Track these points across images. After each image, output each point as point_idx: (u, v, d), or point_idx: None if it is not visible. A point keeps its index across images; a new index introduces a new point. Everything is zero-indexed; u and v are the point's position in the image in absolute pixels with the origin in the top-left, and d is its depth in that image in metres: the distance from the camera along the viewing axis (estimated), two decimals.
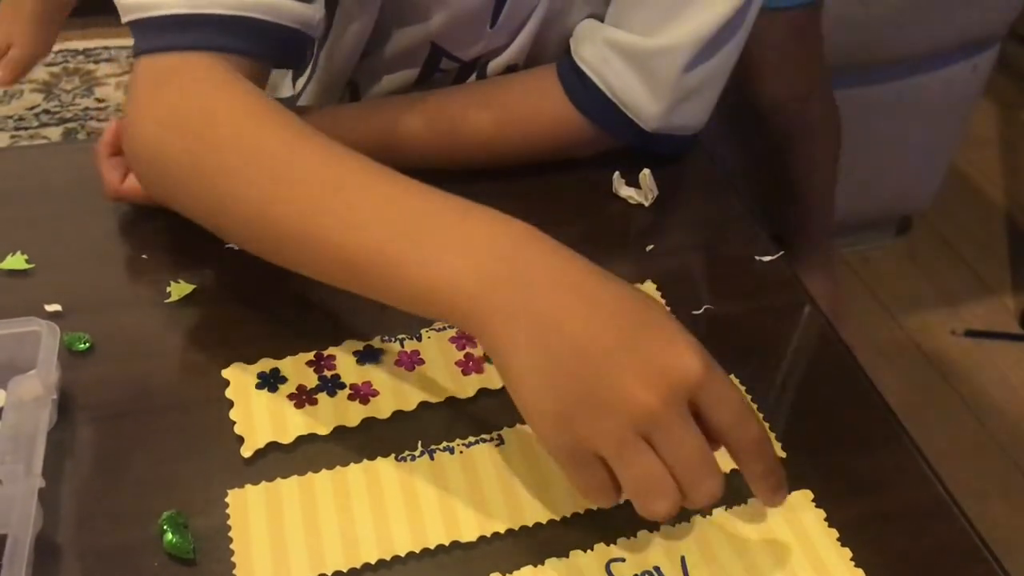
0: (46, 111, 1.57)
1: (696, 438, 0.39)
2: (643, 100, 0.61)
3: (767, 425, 0.50)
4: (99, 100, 1.60)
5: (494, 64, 0.67)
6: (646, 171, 0.64)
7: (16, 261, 0.57)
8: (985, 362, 1.46)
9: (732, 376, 0.53)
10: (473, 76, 0.68)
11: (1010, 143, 1.86)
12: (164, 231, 0.60)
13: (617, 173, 0.65)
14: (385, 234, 0.43)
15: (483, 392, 0.52)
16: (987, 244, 1.66)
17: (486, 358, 0.53)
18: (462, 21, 0.63)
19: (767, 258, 0.61)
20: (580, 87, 0.62)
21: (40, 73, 1.63)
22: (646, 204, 0.64)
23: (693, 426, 0.39)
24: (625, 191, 0.65)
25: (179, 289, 0.56)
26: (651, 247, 0.61)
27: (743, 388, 0.52)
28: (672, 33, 0.59)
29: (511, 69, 0.67)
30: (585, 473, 0.40)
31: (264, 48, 0.52)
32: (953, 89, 1.39)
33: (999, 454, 1.34)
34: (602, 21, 0.63)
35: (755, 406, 0.51)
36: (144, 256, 0.58)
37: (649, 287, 0.59)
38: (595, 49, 0.62)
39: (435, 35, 0.64)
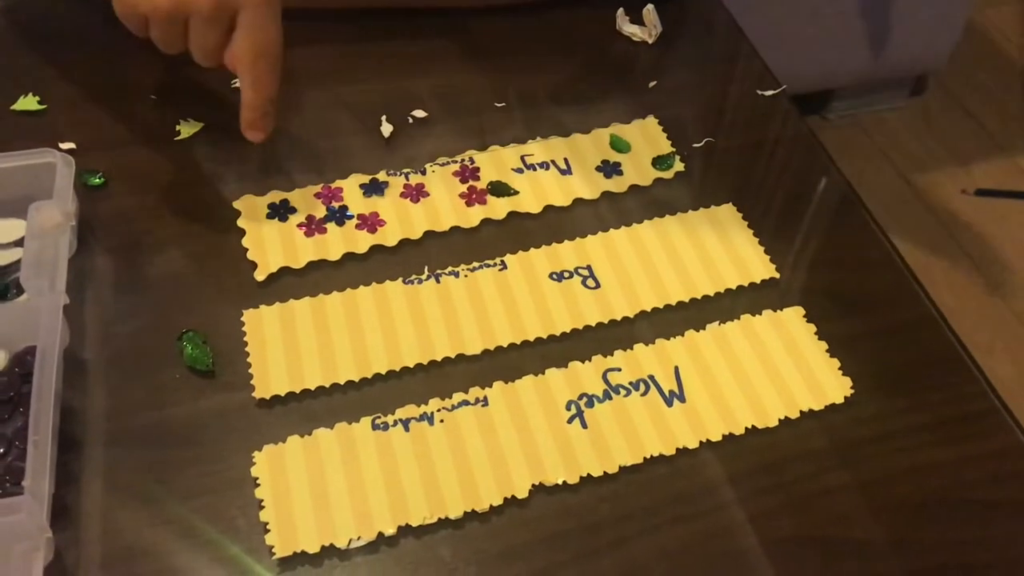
0: None
1: (213, 39, 0.49)
2: None
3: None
4: None
5: None
6: (650, 6, 0.64)
7: (28, 102, 0.58)
8: (995, 220, 1.46)
9: (730, 204, 0.55)
10: None
11: None
12: (171, 73, 0.61)
13: (621, 10, 0.65)
14: None
15: (486, 222, 0.53)
16: (1002, 104, 1.63)
17: (488, 190, 0.55)
18: None
19: (769, 93, 0.61)
20: None
21: None
22: (649, 41, 0.64)
23: (221, 31, 0.49)
24: (628, 28, 0.65)
25: (188, 128, 0.57)
26: (654, 83, 0.62)
27: (741, 215, 0.54)
28: None
29: None
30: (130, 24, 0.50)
31: None
32: None
33: (1006, 311, 1.36)
34: None
35: (751, 233, 0.53)
36: (153, 97, 0.59)
37: (651, 122, 0.59)
38: None
39: None
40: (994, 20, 1.75)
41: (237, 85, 0.59)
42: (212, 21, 0.49)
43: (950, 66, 1.55)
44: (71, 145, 0.56)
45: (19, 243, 0.49)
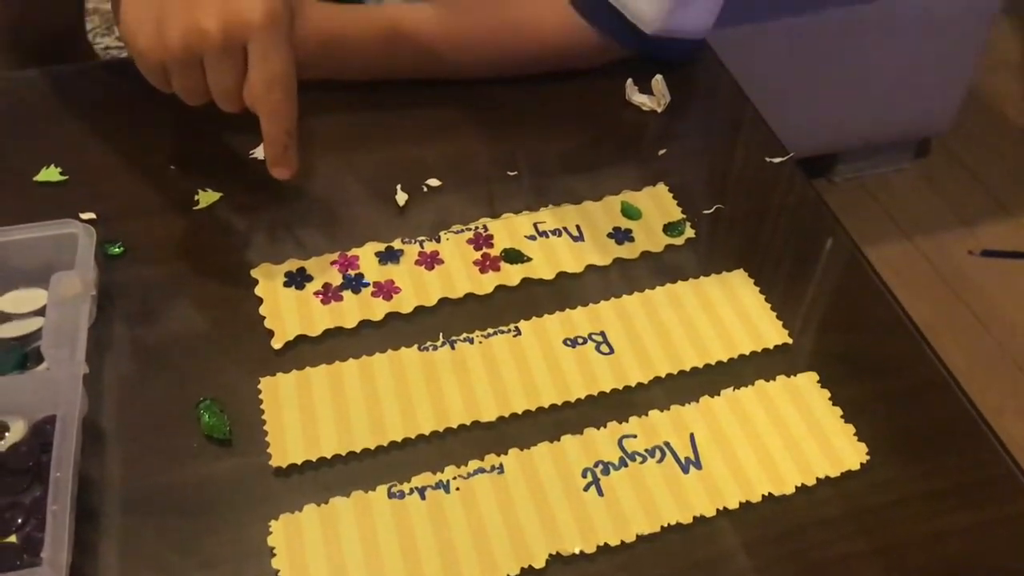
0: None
1: (230, 77, 0.50)
2: (642, 3, 0.62)
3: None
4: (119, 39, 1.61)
5: None
6: (658, 77, 0.65)
7: (50, 173, 0.60)
8: (1001, 281, 1.47)
9: (741, 270, 0.55)
10: None
11: None
12: (190, 143, 0.62)
13: (630, 80, 0.66)
14: None
15: (500, 288, 0.54)
16: (1006, 166, 1.65)
17: (501, 257, 0.55)
18: None
19: (777, 160, 0.62)
20: None
21: None
22: (659, 110, 0.65)
23: (235, 68, 0.50)
24: (638, 97, 0.66)
25: (206, 197, 0.58)
26: (663, 151, 0.63)
27: (752, 280, 0.54)
28: None
29: None
30: (153, 79, 0.52)
31: None
32: (970, 8, 1.38)
33: (1016, 372, 1.36)
34: None
35: (763, 298, 0.53)
36: (172, 167, 0.61)
37: (661, 189, 0.60)
38: None
39: None
40: (996, 85, 1.78)
41: (255, 155, 0.60)
42: (224, 53, 0.50)
43: (954, 129, 1.57)
44: (91, 215, 0.57)
45: (40, 312, 0.50)
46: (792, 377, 0.49)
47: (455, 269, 0.55)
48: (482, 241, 0.56)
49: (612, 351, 0.50)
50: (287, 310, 0.52)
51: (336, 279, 0.54)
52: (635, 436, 0.47)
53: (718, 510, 0.44)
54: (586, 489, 0.44)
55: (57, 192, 0.59)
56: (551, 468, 0.45)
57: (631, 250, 0.56)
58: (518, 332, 0.51)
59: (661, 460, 0.46)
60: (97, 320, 0.51)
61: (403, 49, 0.63)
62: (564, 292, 0.54)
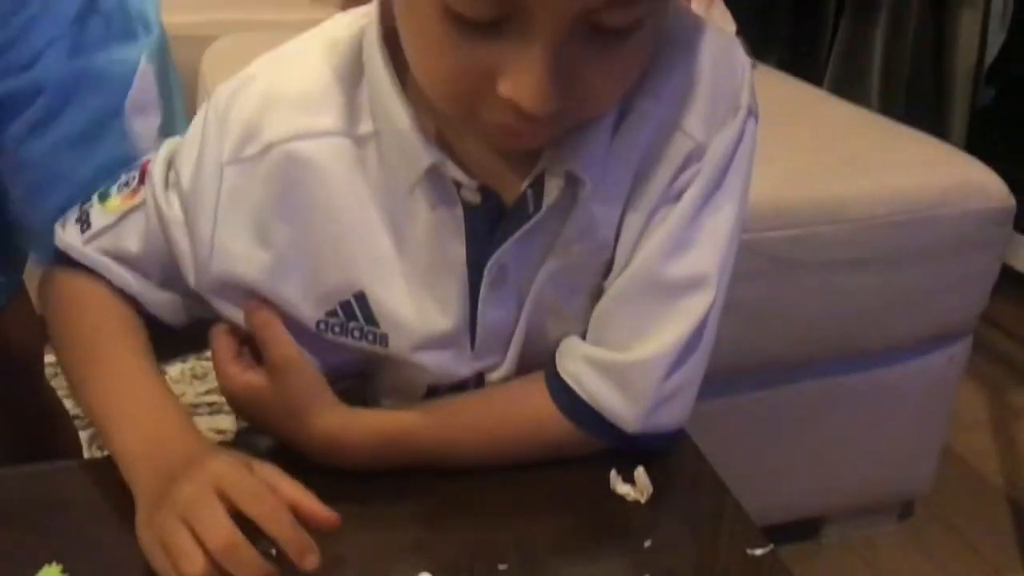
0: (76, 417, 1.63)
1: (220, 527, 0.53)
2: (621, 407, 0.67)
3: None
4: None
5: (490, 379, 0.72)
6: (640, 469, 0.69)
7: (51, 572, 0.60)
8: None
9: None
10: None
11: (1001, 424, 1.91)
12: None
13: (613, 471, 0.70)
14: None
15: None
16: (990, 526, 1.66)
17: None
18: (446, 366, 0.70)
19: (759, 551, 0.64)
20: (564, 395, 0.68)
21: None
22: (642, 501, 0.69)
23: (220, 516, 0.54)
24: (622, 488, 0.69)
25: None
26: (648, 543, 0.65)
27: None
28: (643, 349, 0.66)
29: (502, 380, 0.72)
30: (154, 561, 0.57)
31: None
32: (934, 377, 1.47)
33: None
34: (581, 338, 0.69)
35: None
36: None
37: None
38: (575, 363, 0.68)
39: (428, 382, 0.71)
40: (970, 444, 1.84)
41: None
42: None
43: (935, 490, 1.60)
44: None
45: None
46: None
47: None
48: None
49: None
50: None
51: None
52: None
53: None
54: None
55: None
56: None
57: None
58: None
59: None
60: None
61: (398, 450, 0.67)
62: None
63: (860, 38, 2.28)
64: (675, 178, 0.64)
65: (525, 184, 0.62)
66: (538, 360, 0.70)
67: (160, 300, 0.72)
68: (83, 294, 0.72)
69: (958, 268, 1.37)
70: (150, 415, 0.65)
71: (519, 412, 0.69)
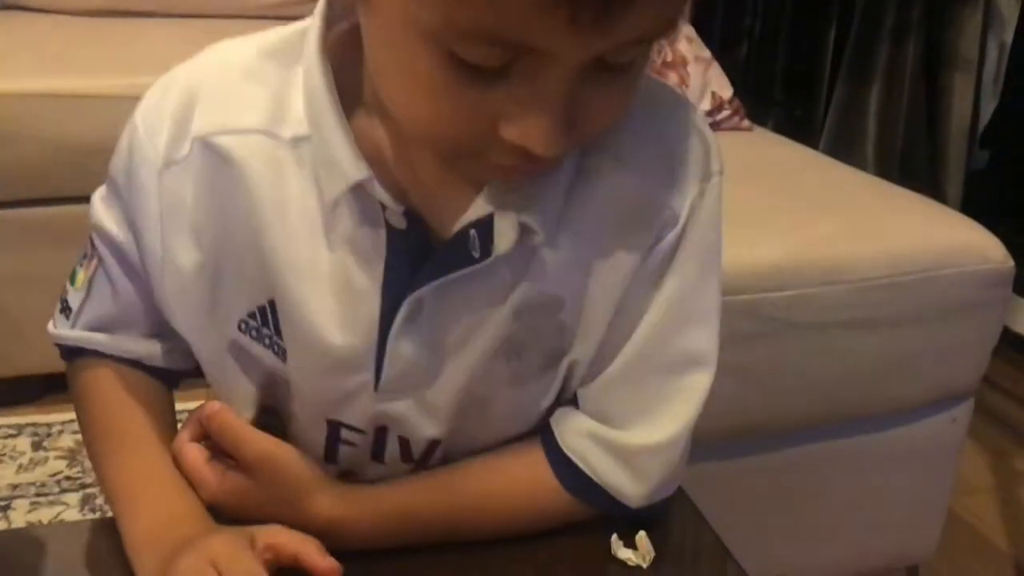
0: (68, 477, 1.63)
1: None
2: (629, 487, 0.66)
3: None
4: None
5: (416, 438, 0.68)
6: (642, 533, 0.68)
7: None
8: None
9: None
10: (393, 447, 0.69)
11: (1004, 487, 1.90)
12: None
13: (615, 536, 0.69)
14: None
15: None
16: None
17: None
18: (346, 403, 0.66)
19: None
20: (568, 471, 0.67)
21: (66, 440, 1.71)
22: (644, 566, 0.67)
23: None
24: (623, 553, 0.68)
25: None
26: None
27: None
28: (653, 433, 0.66)
29: (432, 443, 0.68)
30: None
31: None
32: (937, 440, 1.45)
33: None
34: (527, 406, 0.68)
35: None
36: None
37: None
38: (578, 439, 0.67)
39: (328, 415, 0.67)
40: (974, 508, 1.82)
41: None
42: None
43: (940, 554, 1.58)
44: None
45: None
46: None
47: None
48: None
49: None
50: None
51: None
52: None
53: None
54: None
55: None
56: None
57: None
58: None
59: None
60: None
61: (400, 528, 0.66)
62: None
63: (854, 102, 2.31)
64: (651, 249, 0.63)
65: (463, 222, 0.59)
66: (477, 425, 0.67)
67: (159, 350, 0.70)
68: (89, 384, 0.71)
69: (958, 330, 1.37)
70: (157, 501, 0.65)
71: (521, 487, 0.68)
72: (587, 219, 0.61)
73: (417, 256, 0.61)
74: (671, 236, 0.62)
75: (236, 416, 0.66)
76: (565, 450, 0.67)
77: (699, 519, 0.73)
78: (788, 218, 1.39)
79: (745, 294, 1.24)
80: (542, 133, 0.50)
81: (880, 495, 1.46)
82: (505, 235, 0.58)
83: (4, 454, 1.69)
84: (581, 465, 0.67)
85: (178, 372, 0.73)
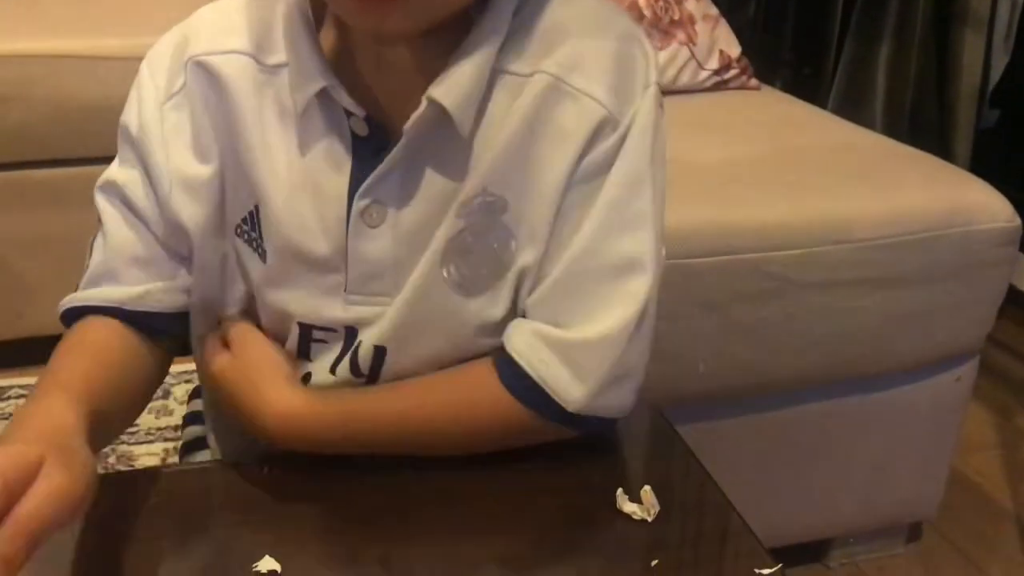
0: None
1: None
2: (568, 384, 0.67)
3: None
4: None
5: (364, 339, 0.70)
6: (647, 487, 0.69)
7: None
8: None
9: None
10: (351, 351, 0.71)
11: (1008, 446, 1.91)
12: None
13: (620, 489, 0.70)
14: None
15: None
16: (998, 549, 1.65)
17: None
18: (319, 303, 0.70)
19: (766, 571, 0.64)
20: (510, 370, 0.68)
21: None
22: (649, 519, 0.68)
23: None
24: (628, 507, 0.69)
25: None
26: (655, 562, 0.65)
27: None
28: (592, 328, 0.67)
29: (379, 350, 0.70)
30: None
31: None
32: (941, 398, 1.46)
33: None
34: (473, 319, 0.69)
35: None
36: None
37: None
38: (523, 338, 0.68)
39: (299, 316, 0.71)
40: (978, 466, 1.83)
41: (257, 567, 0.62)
42: None
43: (944, 512, 1.59)
44: None
45: None
46: None
47: None
48: None
49: None
50: None
51: None
52: None
53: None
54: None
55: None
56: None
57: None
58: None
59: None
60: None
61: (353, 430, 0.68)
62: None
63: (864, 61, 2.29)
64: (588, 147, 0.65)
65: (410, 122, 0.64)
66: (423, 330, 0.69)
67: (141, 292, 0.71)
68: (62, 341, 0.70)
69: (964, 289, 1.37)
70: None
71: (466, 388, 0.70)
72: (515, 119, 0.65)
73: (380, 160, 0.66)
74: (610, 142, 0.65)
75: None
76: (509, 350, 0.68)
77: (704, 475, 0.74)
78: (794, 177, 1.39)
79: (752, 252, 1.24)
80: None
81: (884, 453, 1.47)
82: (419, 114, 0.63)
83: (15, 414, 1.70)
84: (521, 362, 0.67)
85: (161, 315, 0.72)
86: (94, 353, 0.68)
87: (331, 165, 0.67)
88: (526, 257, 0.67)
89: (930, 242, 1.32)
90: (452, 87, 0.63)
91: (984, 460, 1.86)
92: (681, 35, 1.76)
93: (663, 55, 1.72)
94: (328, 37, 0.67)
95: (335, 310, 0.70)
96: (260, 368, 0.70)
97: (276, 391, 0.68)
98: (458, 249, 0.67)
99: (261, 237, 0.69)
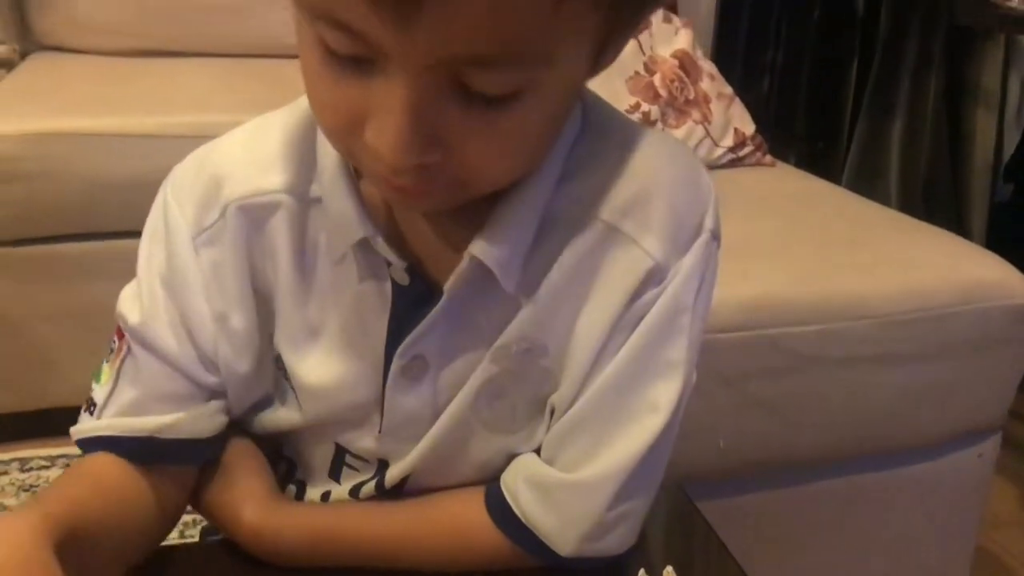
0: None
1: None
2: (554, 529, 0.64)
3: None
4: None
5: (392, 470, 0.69)
6: (669, 568, 0.69)
7: None
8: None
9: None
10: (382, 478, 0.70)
11: None
12: None
13: (642, 570, 0.69)
14: None
15: None
16: None
17: None
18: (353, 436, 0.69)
19: None
20: (499, 508, 0.66)
21: None
22: None
23: None
24: None
25: None
26: None
27: None
28: (588, 470, 0.63)
29: (404, 479, 0.69)
30: None
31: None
32: (964, 474, 1.45)
33: None
34: (502, 454, 0.67)
35: None
36: None
37: None
38: (514, 478, 0.66)
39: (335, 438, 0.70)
40: (1004, 542, 1.80)
41: None
42: None
43: None
44: None
45: None
46: None
47: None
48: None
49: None
50: None
51: None
52: None
53: None
54: None
55: None
56: None
57: None
58: None
59: None
60: None
61: (330, 548, 0.66)
62: None
63: (877, 136, 2.32)
64: (635, 297, 0.61)
65: (455, 275, 0.61)
66: (452, 463, 0.68)
67: (171, 422, 0.65)
68: (79, 465, 0.66)
69: (983, 364, 1.37)
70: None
71: (454, 519, 0.67)
72: (561, 266, 0.62)
73: (417, 311, 0.63)
74: (656, 292, 0.61)
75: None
76: (502, 487, 0.66)
77: (725, 553, 0.74)
78: (811, 253, 1.40)
79: (769, 328, 1.25)
80: (389, 136, 0.50)
81: (908, 530, 1.45)
82: (460, 272, 0.60)
83: (37, 485, 1.71)
84: (511, 502, 0.65)
85: (196, 442, 0.67)
86: (94, 479, 0.64)
87: (370, 313, 0.64)
88: (561, 398, 0.64)
89: (948, 318, 1.32)
90: (496, 243, 0.59)
91: (1010, 536, 1.83)
92: (696, 114, 1.79)
93: (679, 132, 1.75)
94: (368, 184, 0.62)
95: (369, 444, 0.69)
96: (231, 483, 0.68)
97: (246, 508, 0.66)
98: (493, 391, 0.64)
99: (290, 381, 0.68)
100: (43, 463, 1.75)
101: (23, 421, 1.77)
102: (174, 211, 0.64)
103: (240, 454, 0.70)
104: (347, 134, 0.53)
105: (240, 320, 0.65)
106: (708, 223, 0.63)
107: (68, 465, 1.75)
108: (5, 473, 1.73)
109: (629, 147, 0.62)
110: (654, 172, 0.62)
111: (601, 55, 0.56)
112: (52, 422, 1.78)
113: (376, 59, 0.49)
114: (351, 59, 0.50)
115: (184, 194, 0.65)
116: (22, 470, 1.75)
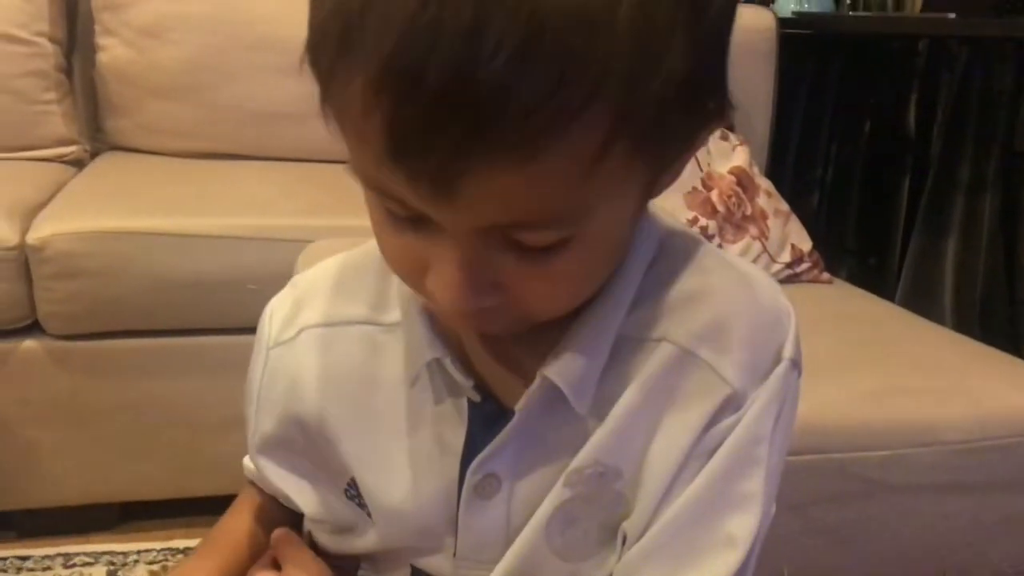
0: None
1: None
2: None
3: None
4: None
5: None
6: None
7: None
8: None
9: None
10: None
11: None
12: None
13: None
14: None
15: None
16: None
17: None
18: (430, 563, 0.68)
19: None
20: None
21: (141, 570, 1.72)
22: None
23: None
24: None
25: None
26: None
27: None
28: None
29: None
30: None
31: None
32: None
33: None
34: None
35: None
36: None
37: None
38: None
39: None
40: None
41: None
42: None
43: None
44: None
45: None
46: None
47: None
48: None
49: None
50: None
51: None
52: None
53: None
54: None
55: None
56: None
57: None
58: None
59: None
60: None
61: None
62: None
63: (931, 255, 2.31)
64: (711, 423, 0.60)
65: (526, 396, 0.61)
66: None
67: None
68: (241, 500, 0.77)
69: None
70: None
71: None
72: (636, 389, 0.61)
73: (489, 429, 0.63)
74: (732, 419, 0.60)
75: (297, 540, 0.72)
76: None
77: None
78: (876, 375, 1.39)
79: (837, 452, 1.22)
80: (447, 286, 0.52)
81: None
82: (531, 393, 0.60)
83: None
84: None
85: None
86: (259, 521, 0.74)
87: (448, 431, 0.64)
88: (634, 526, 0.62)
89: (1018, 447, 1.30)
90: (568, 364, 0.59)
91: None
92: (754, 229, 1.80)
93: (736, 248, 1.76)
94: None
95: (445, 567, 0.67)
96: None
97: None
98: (566, 518, 0.63)
99: (365, 506, 0.68)
100: (87, 560, 1.74)
101: (76, 515, 1.76)
102: (264, 321, 0.70)
103: (298, 557, 0.71)
104: (412, 277, 0.56)
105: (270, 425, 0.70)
106: (788, 351, 0.61)
107: (112, 563, 1.74)
108: (49, 569, 1.72)
109: (706, 270, 0.62)
110: (732, 297, 0.62)
111: (654, 187, 0.56)
112: (96, 518, 1.78)
113: (429, 218, 0.51)
114: (408, 218, 0.52)
115: (276, 307, 0.70)
116: (65, 565, 1.74)
